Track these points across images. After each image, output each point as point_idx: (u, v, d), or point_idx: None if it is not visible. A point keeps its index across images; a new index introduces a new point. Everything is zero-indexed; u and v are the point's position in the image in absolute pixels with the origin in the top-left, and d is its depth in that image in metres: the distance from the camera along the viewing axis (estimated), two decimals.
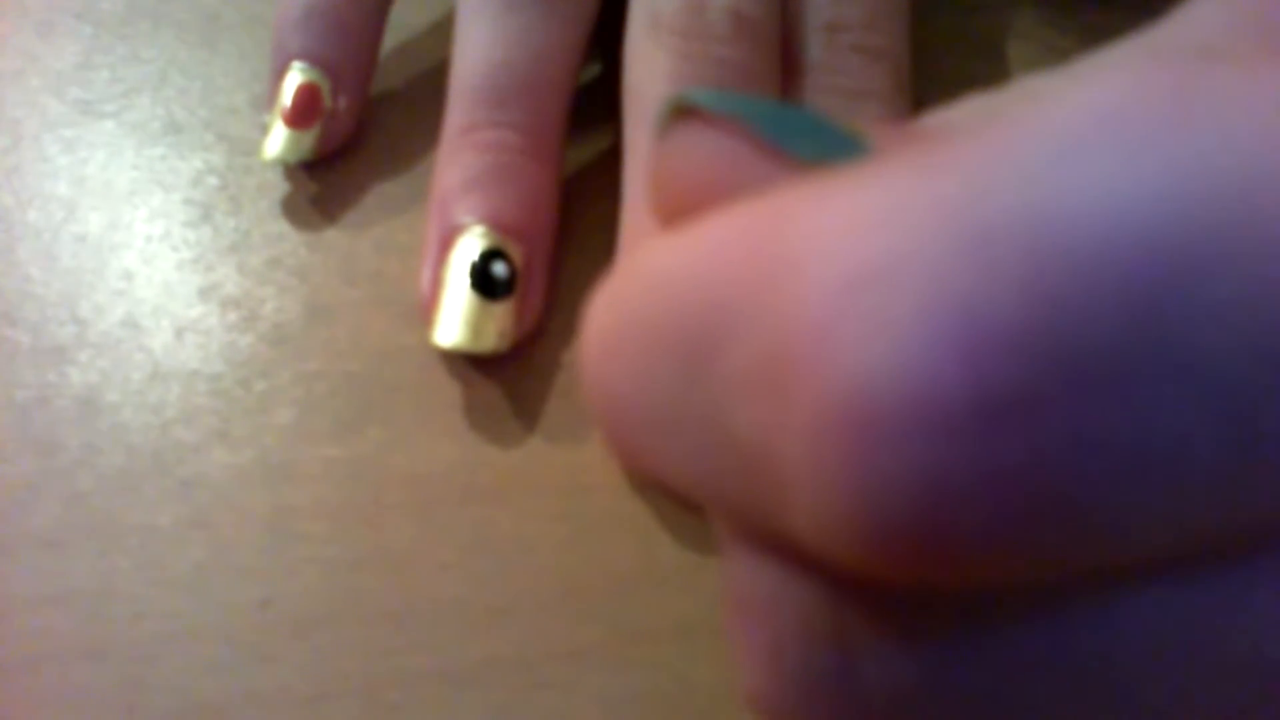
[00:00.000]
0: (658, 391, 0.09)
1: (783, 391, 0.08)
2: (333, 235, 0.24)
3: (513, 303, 0.21)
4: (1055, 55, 0.27)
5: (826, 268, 0.07)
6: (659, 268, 0.09)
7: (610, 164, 0.23)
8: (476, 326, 0.21)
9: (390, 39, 0.26)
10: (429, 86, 0.25)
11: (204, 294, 0.23)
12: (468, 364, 0.22)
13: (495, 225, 0.21)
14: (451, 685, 0.19)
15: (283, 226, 0.24)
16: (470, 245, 0.21)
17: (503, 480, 0.21)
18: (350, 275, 0.23)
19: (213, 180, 0.25)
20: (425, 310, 0.21)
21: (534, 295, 0.22)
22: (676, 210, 0.10)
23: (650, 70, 0.21)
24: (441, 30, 0.26)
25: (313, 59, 0.24)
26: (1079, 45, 0.27)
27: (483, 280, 0.21)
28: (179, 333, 0.23)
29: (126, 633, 0.19)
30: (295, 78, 0.24)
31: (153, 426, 0.21)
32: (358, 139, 0.25)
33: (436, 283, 0.21)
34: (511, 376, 0.22)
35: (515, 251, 0.21)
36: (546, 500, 0.21)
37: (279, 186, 0.25)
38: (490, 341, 0.21)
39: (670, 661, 0.19)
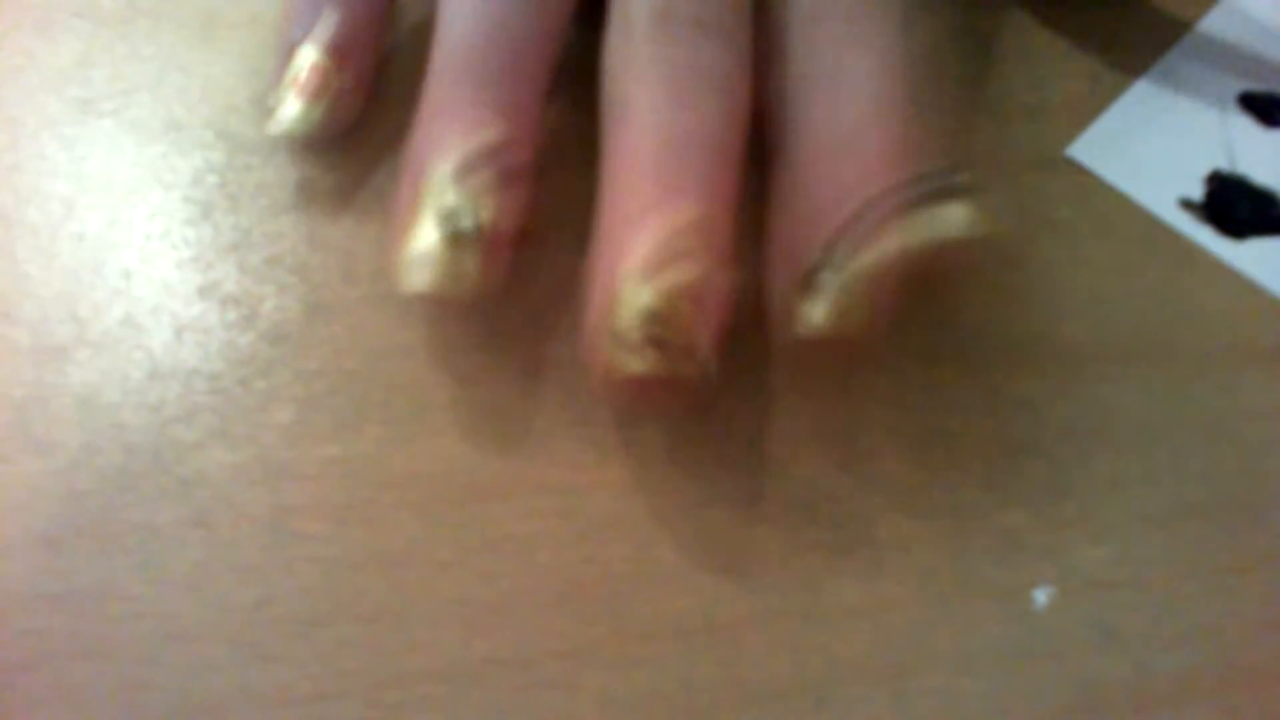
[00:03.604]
0: None
1: None
2: (332, 234, 0.24)
3: (483, 248, 0.20)
4: (1055, 55, 0.26)
5: None
6: None
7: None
8: (449, 270, 0.20)
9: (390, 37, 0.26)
10: None
11: (203, 292, 0.23)
12: (468, 363, 0.22)
13: (470, 194, 0.21)
14: (451, 685, 0.19)
15: (282, 225, 0.24)
16: (442, 198, 0.20)
17: (503, 479, 0.21)
18: (350, 274, 0.23)
19: (212, 178, 0.25)
20: (397, 263, 0.21)
21: (503, 248, 0.21)
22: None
23: (623, 74, 0.21)
24: None
25: (319, 41, 0.24)
26: (1078, 45, 0.27)
27: (453, 228, 0.20)
28: (178, 331, 0.23)
29: (126, 632, 0.19)
30: (303, 57, 0.24)
31: (152, 425, 0.21)
32: (357, 137, 0.25)
33: (406, 231, 0.21)
34: (511, 376, 0.22)
35: (486, 212, 0.21)
36: (546, 500, 0.21)
37: (279, 185, 0.25)
38: (463, 285, 0.20)
39: (670, 661, 0.19)
